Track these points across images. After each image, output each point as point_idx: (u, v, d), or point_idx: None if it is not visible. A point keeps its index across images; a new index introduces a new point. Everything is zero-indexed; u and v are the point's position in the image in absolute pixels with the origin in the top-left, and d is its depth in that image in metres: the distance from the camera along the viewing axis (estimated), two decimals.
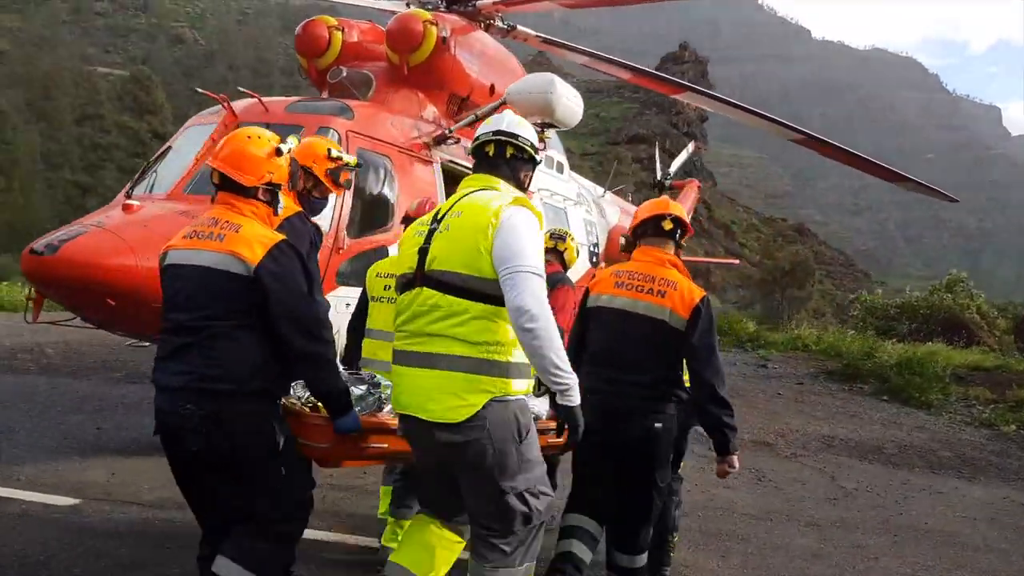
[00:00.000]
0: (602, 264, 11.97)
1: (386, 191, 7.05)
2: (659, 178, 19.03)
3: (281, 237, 3.21)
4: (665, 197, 4.63)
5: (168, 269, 3.24)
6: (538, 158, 3.35)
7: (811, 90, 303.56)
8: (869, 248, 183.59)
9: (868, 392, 13.02)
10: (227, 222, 3.18)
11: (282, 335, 3.09)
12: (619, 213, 13.84)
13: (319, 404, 3.34)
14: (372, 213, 6.93)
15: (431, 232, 3.07)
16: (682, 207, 4.42)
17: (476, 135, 3.30)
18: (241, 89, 7.00)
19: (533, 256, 2.89)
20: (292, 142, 3.59)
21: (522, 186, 3.28)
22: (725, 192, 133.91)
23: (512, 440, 2.95)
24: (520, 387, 2.99)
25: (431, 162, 7.68)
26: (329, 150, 4.41)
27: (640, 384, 3.91)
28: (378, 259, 5.26)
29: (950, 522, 6.74)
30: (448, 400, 2.89)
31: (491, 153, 3.21)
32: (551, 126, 7.80)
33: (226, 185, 3.30)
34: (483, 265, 2.89)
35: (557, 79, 7.68)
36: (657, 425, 3.87)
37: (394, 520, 4.53)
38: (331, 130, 6.58)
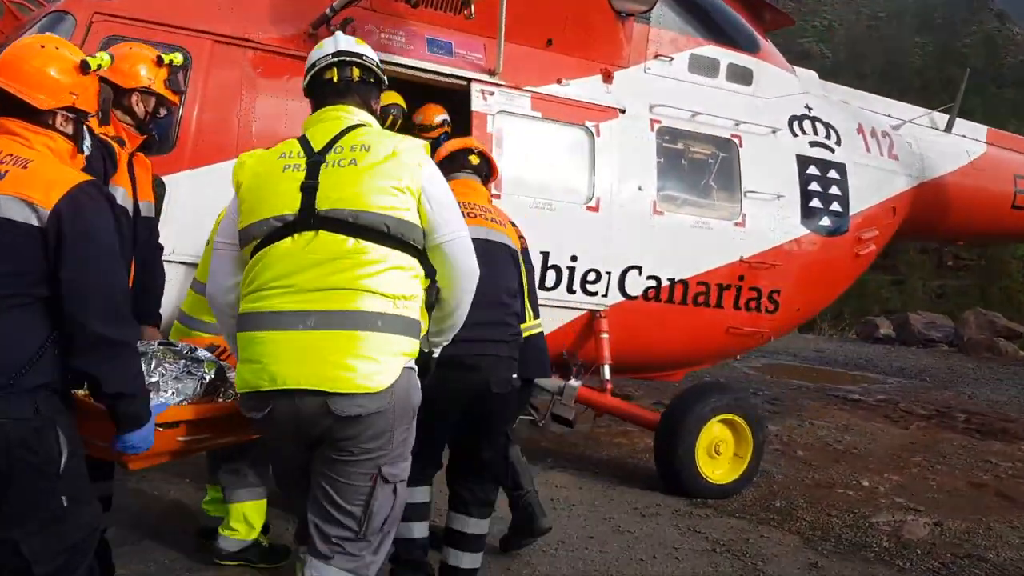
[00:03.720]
0: (870, 232, 7.77)
1: None
2: None
3: (87, 177, 2.48)
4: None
5: None
6: (385, 80, 2.98)
7: None
8: None
9: None
10: (11, 155, 2.43)
11: (73, 311, 2.33)
12: (975, 160, 8.86)
13: None
14: None
15: (314, 165, 2.62)
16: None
17: (309, 61, 2.91)
18: None
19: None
20: (104, 59, 2.78)
21: (376, 115, 2.92)
22: None
23: (409, 416, 2.67)
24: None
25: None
26: (158, 56, 3.92)
27: (508, 325, 3.87)
28: None
29: None
30: (363, 365, 2.47)
31: (335, 79, 2.83)
32: None
33: (9, 107, 2.53)
34: (407, 207, 2.60)
35: None
36: (515, 376, 3.83)
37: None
38: (66, 16, 4.99)
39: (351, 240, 2.53)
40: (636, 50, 6.88)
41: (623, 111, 6.60)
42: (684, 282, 6.75)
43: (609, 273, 6.48)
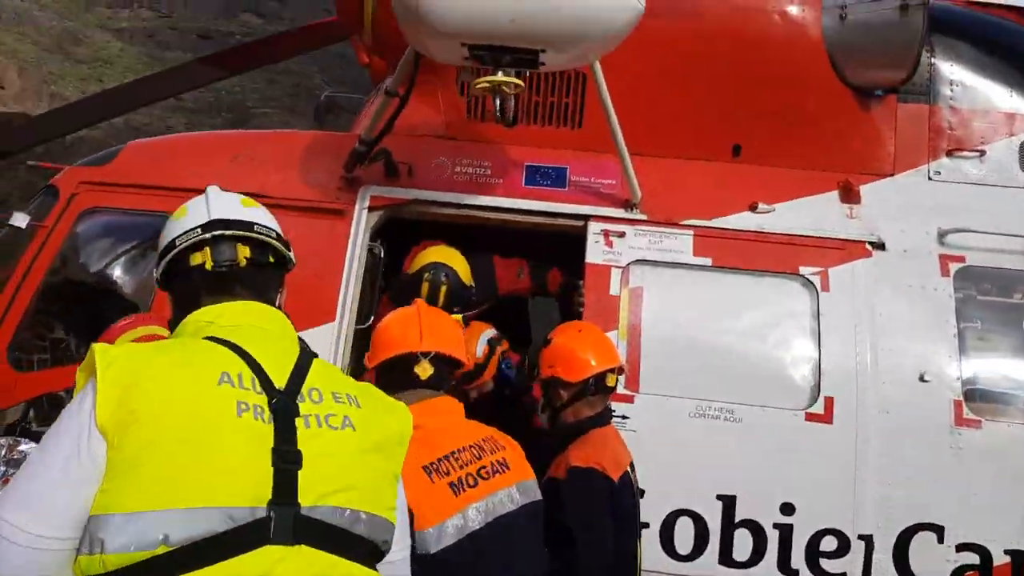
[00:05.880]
0: None
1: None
2: None
3: None
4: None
5: None
6: (291, 260, 1.97)
7: None
8: None
9: None
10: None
11: None
12: None
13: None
14: None
15: (285, 415, 1.62)
16: None
17: (164, 240, 1.91)
18: None
19: None
20: None
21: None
22: None
23: None
24: None
25: (345, 218, 4.01)
26: None
27: None
28: None
29: None
30: None
31: (207, 265, 1.83)
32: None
33: None
34: (392, 502, 1.76)
35: None
36: None
37: None
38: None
39: (336, 563, 1.55)
40: (908, 146, 4.11)
41: (880, 245, 3.83)
42: None
43: (867, 539, 3.52)
